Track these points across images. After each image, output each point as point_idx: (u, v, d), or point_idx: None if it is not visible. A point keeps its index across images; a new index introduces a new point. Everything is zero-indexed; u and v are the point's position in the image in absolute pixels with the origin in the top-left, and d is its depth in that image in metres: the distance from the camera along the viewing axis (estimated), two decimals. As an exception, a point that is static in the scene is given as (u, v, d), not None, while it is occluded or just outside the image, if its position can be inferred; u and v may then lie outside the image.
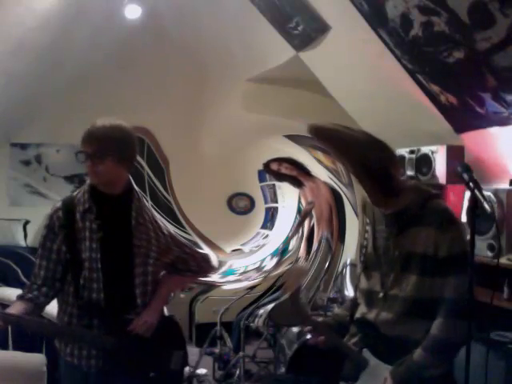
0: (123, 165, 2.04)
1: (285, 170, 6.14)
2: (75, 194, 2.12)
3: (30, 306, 2.00)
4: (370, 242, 2.08)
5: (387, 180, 1.92)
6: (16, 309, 1.97)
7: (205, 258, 2.35)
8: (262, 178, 7.03)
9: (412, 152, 3.46)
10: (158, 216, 2.20)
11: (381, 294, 2.00)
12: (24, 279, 4.54)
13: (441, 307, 1.87)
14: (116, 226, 2.08)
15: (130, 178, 2.15)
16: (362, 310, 2.09)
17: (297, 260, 5.84)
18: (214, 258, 2.47)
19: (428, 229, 1.90)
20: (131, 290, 2.07)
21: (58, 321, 2.11)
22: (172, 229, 2.27)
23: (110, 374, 2.03)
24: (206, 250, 5.46)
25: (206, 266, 2.34)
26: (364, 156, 1.90)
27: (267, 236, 6.85)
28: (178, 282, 2.40)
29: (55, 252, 2.04)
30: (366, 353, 2.01)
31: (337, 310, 3.09)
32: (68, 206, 2.06)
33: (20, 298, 2.03)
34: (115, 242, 2.06)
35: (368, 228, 2.09)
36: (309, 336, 3.43)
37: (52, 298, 2.08)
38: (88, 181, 2.10)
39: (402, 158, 3.49)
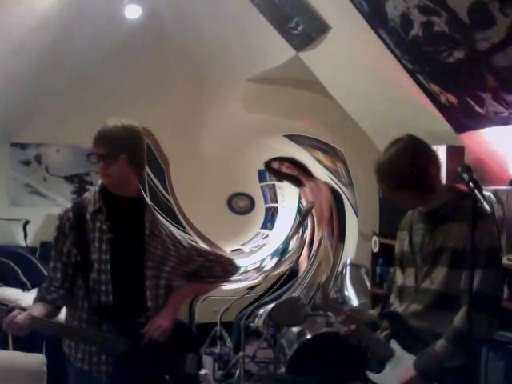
0: (135, 166, 2.02)
1: (286, 169, 6.14)
2: (86, 195, 2.09)
3: (50, 308, 1.96)
4: (406, 243, 2.13)
5: (426, 179, 1.97)
6: (38, 311, 1.92)
7: (231, 261, 2.33)
8: (262, 178, 7.02)
9: (412, 152, 3.46)
10: (175, 230, 2.19)
11: (413, 288, 2.05)
12: (24, 279, 4.54)
13: (465, 299, 1.89)
14: (127, 228, 2.05)
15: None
16: (395, 305, 2.15)
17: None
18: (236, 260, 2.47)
19: (461, 224, 1.94)
20: (142, 292, 2.04)
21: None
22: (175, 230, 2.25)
23: (121, 378, 1.99)
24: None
25: (232, 269, 2.32)
26: (398, 178, 1.97)
27: (267, 236, 6.85)
28: (197, 289, 2.39)
29: (65, 254, 2.02)
30: (393, 343, 2.06)
31: (370, 310, 3.15)
32: (78, 207, 2.04)
33: (40, 299, 1.99)
34: (125, 244, 2.03)
35: (404, 236, 2.15)
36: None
37: (67, 302, 2.04)
38: (99, 182, 2.07)
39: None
